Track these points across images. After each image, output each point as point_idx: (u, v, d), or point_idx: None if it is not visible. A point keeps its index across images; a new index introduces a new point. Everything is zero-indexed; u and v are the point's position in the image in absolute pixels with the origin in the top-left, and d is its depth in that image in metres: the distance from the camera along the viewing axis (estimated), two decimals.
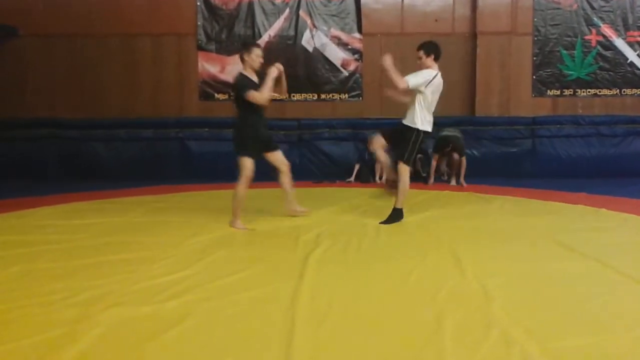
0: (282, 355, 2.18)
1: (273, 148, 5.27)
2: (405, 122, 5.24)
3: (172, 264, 3.62)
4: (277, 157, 5.27)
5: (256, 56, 5.00)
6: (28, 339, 2.35)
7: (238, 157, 4.96)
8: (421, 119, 5.14)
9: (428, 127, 5.20)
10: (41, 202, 6.30)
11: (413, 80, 5.00)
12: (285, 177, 5.32)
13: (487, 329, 2.43)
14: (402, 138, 5.20)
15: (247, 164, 4.92)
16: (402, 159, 5.18)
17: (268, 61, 10.04)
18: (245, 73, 5.02)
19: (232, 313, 2.69)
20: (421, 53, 5.17)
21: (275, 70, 4.97)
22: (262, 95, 4.87)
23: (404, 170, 5.19)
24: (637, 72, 10.04)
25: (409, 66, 10.21)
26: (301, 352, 2.21)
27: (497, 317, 2.59)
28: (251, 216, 5.50)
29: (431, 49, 5.17)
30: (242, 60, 5.04)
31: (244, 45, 5.13)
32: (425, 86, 5.06)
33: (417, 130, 5.14)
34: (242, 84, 4.91)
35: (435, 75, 5.11)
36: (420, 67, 5.17)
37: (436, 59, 5.19)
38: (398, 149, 5.25)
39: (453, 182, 8.33)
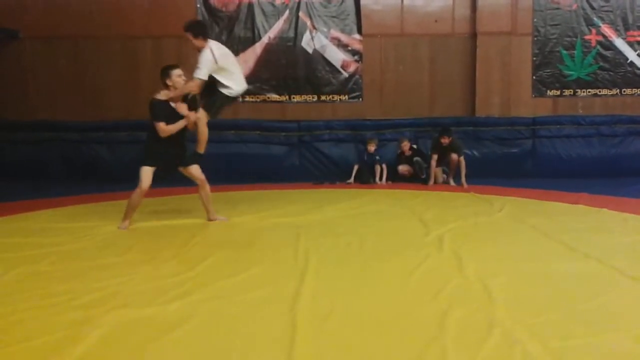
0: (285, 356, 2.19)
1: (185, 164, 5.35)
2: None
3: (175, 265, 3.63)
4: (191, 172, 5.36)
5: (177, 76, 5.03)
6: (31, 341, 2.36)
7: (140, 167, 5.06)
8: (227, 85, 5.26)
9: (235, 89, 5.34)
10: (43, 204, 6.31)
11: (202, 72, 5.03)
12: (201, 190, 5.40)
13: (489, 328, 2.44)
14: (211, 94, 5.33)
15: (145, 176, 5.02)
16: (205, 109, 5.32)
17: (269, 62, 10.14)
18: (160, 97, 5.06)
19: (235, 314, 2.70)
20: (190, 36, 5.15)
21: (189, 115, 5.10)
22: (164, 131, 5.01)
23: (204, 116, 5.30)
24: (637, 71, 10.04)
25: (408, 66, 10.22)
26: (303, 352, 2.22)
27: (499, 316, 2.59)
28: (247, 216, 5.52)
29: (198, 29, 5.22)
30: (166, 86, 5.05)
31: (163, 71, 5.10)
32: (217, 64, 5.10)
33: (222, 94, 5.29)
34: (155, 112, 5.05)
35: (213, 48, 5.14)
36: (196, 49, 5.20)
37: (205, 37, 5.21)
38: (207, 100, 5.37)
39: (452, 182, 8.35)
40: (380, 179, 8.71)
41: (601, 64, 10.04)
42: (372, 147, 8.90)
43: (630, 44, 10.00)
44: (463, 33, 9.95)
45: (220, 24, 9.93)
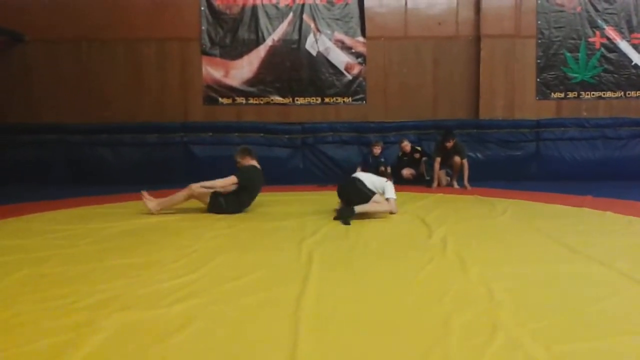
0: (288, 359, 2.18)
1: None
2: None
3: (177, 268, 3.63)
4: None
5: None
6: (33, 344, 2.35)
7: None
8: None
9: None
10: (47, 206, 6.32)
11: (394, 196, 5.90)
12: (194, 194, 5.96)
13: (493, 331, 2.42)
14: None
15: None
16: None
17: (273, 65, 10.16)
18: None
19: (237, 317, 2.69)
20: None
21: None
22: None
23: None
24: None
25: (412, 69, 10.22)
26: (306, 355, 2.21)
27: (503, 319, 2.58)
28: (250, 218, 5.52)
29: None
30: None
31: None
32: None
33: None
34: None
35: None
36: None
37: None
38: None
39: (456, 185, 8.34)
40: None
41: (605, 66, 10.03)
42: (377, 150, 8.90)
43: (635, 47, 9.98)
44: (467, 35, 9.96)
45: (224, 26, 9.96)
